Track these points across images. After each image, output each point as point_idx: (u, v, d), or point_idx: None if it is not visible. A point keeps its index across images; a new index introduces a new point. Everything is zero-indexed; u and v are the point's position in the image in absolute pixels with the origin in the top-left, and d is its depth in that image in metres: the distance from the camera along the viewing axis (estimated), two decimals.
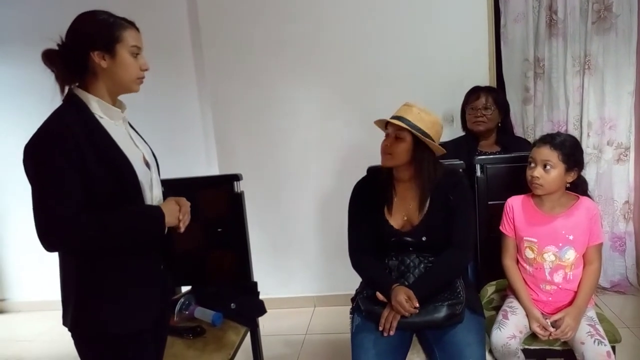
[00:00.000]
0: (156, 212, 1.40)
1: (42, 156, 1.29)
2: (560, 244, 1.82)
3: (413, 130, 1.74)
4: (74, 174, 1.28)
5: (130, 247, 1.40)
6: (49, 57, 1.37)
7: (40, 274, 3.50)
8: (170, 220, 1.42)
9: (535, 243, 1.86)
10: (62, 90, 1.39)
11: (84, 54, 1.36)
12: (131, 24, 1.44)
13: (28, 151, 1.31)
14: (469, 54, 2.99)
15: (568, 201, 1.87)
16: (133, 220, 1.38)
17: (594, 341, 1.68)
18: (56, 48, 1.38)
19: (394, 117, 1.80)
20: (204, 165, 3.30)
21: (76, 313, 1.38)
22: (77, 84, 1.41)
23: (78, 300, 1.38)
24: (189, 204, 1.51)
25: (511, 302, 1.88)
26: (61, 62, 1.36)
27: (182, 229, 1.46)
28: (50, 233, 1.27)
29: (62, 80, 1.38)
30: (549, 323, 1.76)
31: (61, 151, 1.27)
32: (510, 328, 1.74)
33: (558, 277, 1.83)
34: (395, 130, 1.78)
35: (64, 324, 1.43)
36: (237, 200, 2.28)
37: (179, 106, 3.26)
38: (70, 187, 1.28)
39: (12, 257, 3.73)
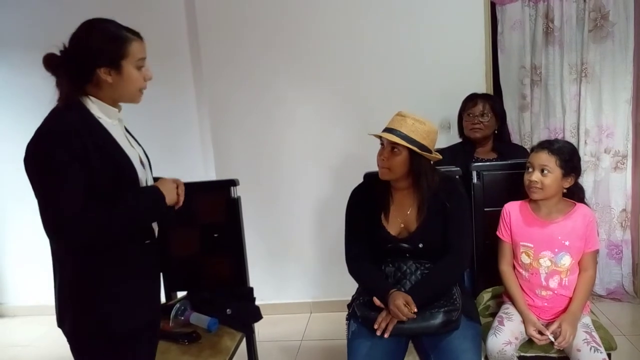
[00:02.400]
0: (157, 193, 1.42)
1: (45, 154, 1.28)
2: (556, 250, 1.83)
3: (409, 145, 1.73)
4: (78, 170, 1.28)
5: (137, 231, 1.43)
6: (51, 63, 1.38)
7: (36, 278, 3.49)
8: (169, 197, 1.45)
9: (531, 248, 1.87)
10: (64, 97, 1.38)
11: (90, 68, 1.36)
12: (136, 35, 1.44)
13: (30, 150, 1.31)
14: (466, 61, 3.00)
15: (565, 207, 1.88)
16: (137, 203, 1.38)
17: (590, 348, 1.68)
18: (57, 53, 1.38)
19: (387, 130, 1.79)
20: (200, 170, 3.30)
21: (76, 313, 1.38)
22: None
23: (78, 300, 1.38)
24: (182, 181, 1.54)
25: (507, 309, 1.89)
26: (64, 71, 1.37)
27: (180, 205, 1.50)
28: (61, 231, 1.27)
29: (64, 87, 1.38)
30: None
31: (65, 148, 1.27)
32: (506, 334, 1.74)
33: (554, 283, 1.84)
34: (390, 142, 1.77)
35: (60, 325, 1.43)
36: (234, 206, 2.28)
37: (177, 111, 3.26)
38: (75, 182, 1.28)
39: (8, 261, 3.71)
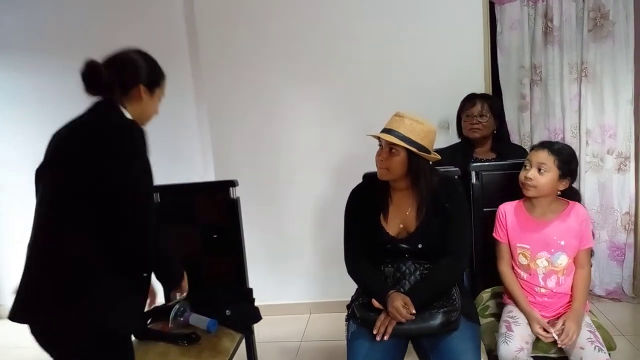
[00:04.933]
0: (182, 271, 1.70)
1: (143, 151, 1.44)
2: (552, 250, 1.84)
3: (407, 145, 1.72)
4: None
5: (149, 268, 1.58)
6: (94, 69, 1.51)
7: None
8: (183, 286, 1.72)
9: (527, 249, 1.87)
10: (108, 101, 1.53)
11: (136, 82, 1.56)
12: (165, 77, 1.71)
13: (128, 144, 1.43)
14: (465, 61, 3.00)
15: (559, 207, 1.89)
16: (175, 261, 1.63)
17: (595, 347, 1.68)
18: (99, 61, 1.52)
19: (385, 130, 1.78)
20: (200, 171, 3.30)
21: (83, 312, 1.41)
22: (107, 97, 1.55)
23: (87, 300, 1.41)
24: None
25: (511, 312, 1.88)
26: (109, 78, 1.51)
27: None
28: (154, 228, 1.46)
29: (102, 92, 1.53)
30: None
31: (146, 148, 1.45)
32: (517, 341, 1.73)
33: (551, 283, 1.85)
34: (388, 143, 1.76)
35: (57, 327, 1.43)
36: (233, 207, 2.28)
37: (176, 112, 3.25)
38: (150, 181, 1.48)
39: (9, 263, 3.71)
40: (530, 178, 1.83)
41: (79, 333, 1.42)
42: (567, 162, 1.82)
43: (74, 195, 1.42)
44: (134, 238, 1.43)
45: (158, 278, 1.63)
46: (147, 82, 1.59)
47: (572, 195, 1.91)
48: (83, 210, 1.42)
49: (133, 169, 1.41)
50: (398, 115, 1.80)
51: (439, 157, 1.83)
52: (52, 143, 1.55)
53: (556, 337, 1.73)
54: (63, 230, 1.43)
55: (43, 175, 1.55)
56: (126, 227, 1.41)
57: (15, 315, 1.45)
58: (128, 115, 1.54)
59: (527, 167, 1.86)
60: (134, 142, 1.43)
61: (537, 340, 1.79)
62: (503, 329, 1.80)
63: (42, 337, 1.47)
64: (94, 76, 1.51)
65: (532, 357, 1.80)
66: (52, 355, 1.50)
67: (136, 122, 1.50)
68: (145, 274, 1.57)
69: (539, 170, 1.82)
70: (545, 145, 1.86)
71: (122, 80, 1.54)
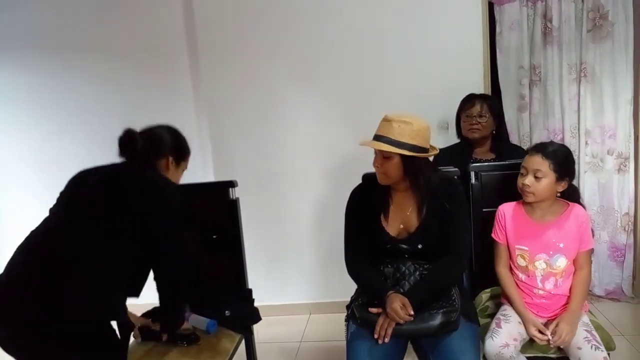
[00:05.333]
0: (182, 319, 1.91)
1: (179, 209, 1.69)
2: (551, 252, 1.84)
3: (396, 150, 1.72)
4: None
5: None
6: (132, 137, 1.73)
7: None
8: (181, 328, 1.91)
9: (526, 251, 1.88)
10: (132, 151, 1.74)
11: (165, 152, 1.82)
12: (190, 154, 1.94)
13: (172, 199, 1.68)
14: (464, 62, 3.00)
15: (559, 208, 1.89)
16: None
17: (592, 346, 1.69)
18: (137, 131, 1.75)
19: (375, 137, 1.78)
20: (199, 171, 3.29)
21: (96, 302, 1.52)
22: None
23: (102, 291, 1.54)
24: None
25: (505, 310, 1.89)
26: (142, 146, 1.73)
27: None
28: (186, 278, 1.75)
29: (136, 156, 1.74)
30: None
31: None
32: (503, 337, 1.74)
33: (549, 285, 1.85)
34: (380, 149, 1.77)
35: (66, 316, 1.46)
36: (233, 207, 2.28)
37: (175, 112, 3.25)
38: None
39: (4, 260, 3.70)
40: (528, 185, 1.83)
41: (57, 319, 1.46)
42: (563, 163, 1.82)
43: (112, 231, 1.59)
44: (165, 286, 1.68)
45: (161, 318, 1.83)
46: (175, 155, 1.85)
47: (570, 192, 1.90)
48: (117, 245, 1.59)
49: (177, 228, 1.67)
50: (386, 120, 1.79)
51: (437, 151, 1.83)
52: (82, 181, 1.72)
53: (550, 339, 1.73)
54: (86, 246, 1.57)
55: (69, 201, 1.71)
56: (162, 275, 1.67)
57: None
58: None
59: (524, 174, 1.86)
60: (177, 201, 1.68)
61: (533, 341, 1.80)
62: (493, 326, 1.82)
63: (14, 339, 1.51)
64: (131, 143, 1.72)
65: (531, 357, 1.81)
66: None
67: (175, 186, 1.79)
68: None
69: (535, 176, 1.82)
70: (539, 149, 1.84)
71: (155, 149, 1.78)
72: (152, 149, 1.77)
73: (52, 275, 1.48)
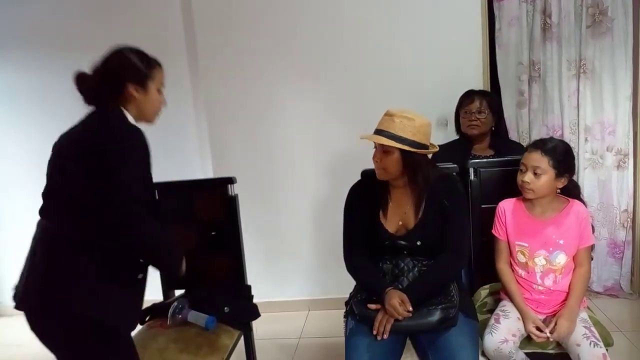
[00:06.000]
0: (181, 255, 1.64)
1: (142, 151, 1.49)
2: (551, 249, 1.84)
3: (398, 145, 1.72)
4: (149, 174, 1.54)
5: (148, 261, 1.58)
6: (83, 80, 1.55)
7: None
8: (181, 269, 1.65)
9: (526, 248, 1.87)
10: (107, 104, 1.55)
11: (122, 82, 1.55)
12: (160, 65, 1.67)
13: (126, 142, 1.46)
14: (464, 58, 3.00)
15: (559, 205, 1.88)
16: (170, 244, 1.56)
17: (590, 343, 1.69)
18: (87, 72, 1.56)
19: (377, 131, 1.78)
20: (198, 168, 3.30)
21: (80, 298, 1.45)
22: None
23: (86, 288, 1.47)
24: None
25: (504, 306, 1.89)
26: (97, 86, 1.54)
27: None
28: (129, 217, 1.43)
29: (95, 100, 1.56)
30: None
31: (146, 150, 1.49)
32: (502, 332, 1.74)
33: (549, 281, 1.85)
34: (381, 144, 1.77)
35: (52, 313, 1.47)
36: (231, 204, 2.27)
37: (174, 109, 3.21)
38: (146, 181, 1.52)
39: (5, 261, 3.70)
40: (527, 182, 1.82)
41: (66, 321, 1.46)
42: (562, 160, 1.81)
43: (72, 195, 1.47)
44: (120, 232, 1.45)
45: (156, 268, 1.64)
46: (136, 79, 1.57)
47: (571, 188, 1.90)
48: (80, 209, 1.47)
49: (122, 175, 1.42)
50: (388, 114, 1.80)
51: (436, 148, 1.83)
52: (53, 153, 1.59)
53: (549, 336, 1.73)
54: (60, 225, 1.49)
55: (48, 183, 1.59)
56: (113, 223, 1.43)
57: (15, 301, 1.52)
58: (130, 118, 1.56)
59: (523, 170, 1.86)
60: (123, 148, 1.45)
61: (530, 337, 1.79)
62: (491, 321, 1.82)
63: (35, 327, 1.52)
64: (83, 87, 1.55)
65: (530, 353, 1.81)
66: (48, 347, 1.54)
67: (131, 127, 1.51)
68: (140, 275, 1.58)
69: (535, 172, 1.81)
70: (538, 145, 1.84)
71: (109, 84, 1.54)
72: (106, 86, 1.55)
73: (33, 261, 1.51)
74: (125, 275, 1.54)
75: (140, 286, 1.60)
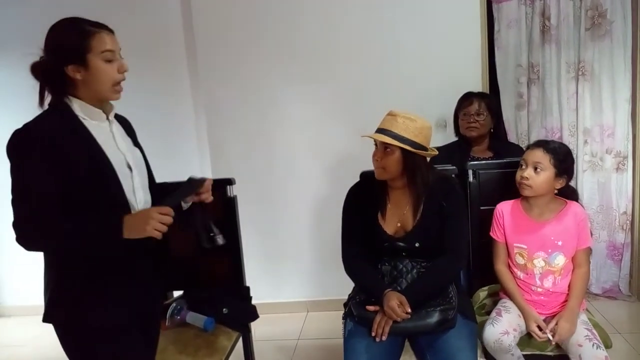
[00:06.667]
0: (113, 224, 1.35)
1: (17, 156, 1.33)
2: (550, 250, 1.84)
3: (400, 144, 1.73)
4: (47, 177, 1.31)
5: (89, 252, 1.40)
6: (34, 71, 1.40)
7: (32, 278, 3.45)
8: (138, 230, 1.34)
9: (525, 249, 1.88)
10: (42, 100, 1.41)
11: (60, 69, 1.37)
12: (101, 27, 1.43)
13: (7, 149, 1.34)
14: (463, 60, 3.00)
15: (557, 206, 1.89)
16: (85, 227, 1.34)
17: (593, 345, 1.69)
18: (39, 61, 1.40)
19: (379, 130, 1.79)
20: (197, 169, 3.29)
21: (60, 306, 1.43)
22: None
23: (63, 293, 1.42)
24: (169, 211, 1.40)
25: (505, 303, 1.90)
26: (42, 76, 1.39)
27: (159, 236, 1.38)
28: (15, 229, 1.34)
29: (48, 91, 1.41)
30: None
31: (35, 154, 1.30)
32: (504, 324, 1.75)
33: (548, 283, 1.86)
34: (382, 142, 1.77)
35: (45, 320, 1.46)
36: (230, 205, 2.27)
37: (173, 110, 3.25)
38: (39, 188, 1.32)
39: (4, 262, 3.70)
40: (527, 177, 1.83)
41: (63, 325, 1.46)
42: (563, 160, 1.83)
43: None
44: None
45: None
46: (71, 59, 1.36)
47: (569, 193, 1.91)
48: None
49: (14, 188, 1.34)
50: (391, 115, 1.80)
51: (436, 152, 1.83)
52: None
53: (550, 337, 1.74)
54: None
55: None
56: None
57: None
58: (81, 108, 1.41)
59: (523, 167, 1.87)
60: (13, 149, 1.33)
61: (531, 337, 1.80)
62: (493, 314, 1.83)
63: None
64: (35, 76, 1.41)
65: (528, 354, 1.81)
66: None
67: (23, 129, 1.33)
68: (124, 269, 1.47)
69: (535, 169, 1.82)
70: (541, 144, 1.86)
71: (49, 72, 1.38)
72: (45, 77, 1.39)
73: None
74: (95, 275, 1.43)
75: (125, 282, 1.47)
